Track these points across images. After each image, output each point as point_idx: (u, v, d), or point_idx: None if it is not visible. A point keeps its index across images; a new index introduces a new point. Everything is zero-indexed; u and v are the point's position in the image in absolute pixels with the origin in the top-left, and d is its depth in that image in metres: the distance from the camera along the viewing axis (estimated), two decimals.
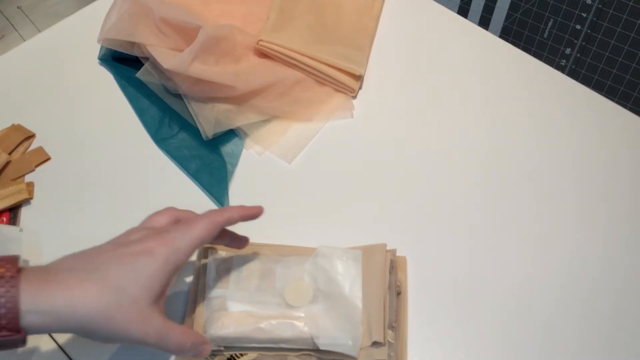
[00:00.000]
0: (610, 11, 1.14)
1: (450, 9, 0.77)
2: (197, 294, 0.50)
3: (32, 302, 0.36)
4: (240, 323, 0.46)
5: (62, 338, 0.50)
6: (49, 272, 0.38)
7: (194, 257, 0.52)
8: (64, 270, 0.38)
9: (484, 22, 1.36)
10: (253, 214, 0.47)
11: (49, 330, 0.37)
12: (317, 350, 0.46)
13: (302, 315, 0.47)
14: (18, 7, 2.03)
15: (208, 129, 0.63)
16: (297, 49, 0.66)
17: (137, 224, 0.58)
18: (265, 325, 0.46)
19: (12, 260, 0.37)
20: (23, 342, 0.37)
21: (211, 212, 0.45)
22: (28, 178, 0.62)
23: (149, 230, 0.43)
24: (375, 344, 0.46)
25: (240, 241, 0.50)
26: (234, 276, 0.49)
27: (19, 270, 0.37)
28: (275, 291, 0.48)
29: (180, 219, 0.46)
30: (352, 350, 0.46)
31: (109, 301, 0.37)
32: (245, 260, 0.51)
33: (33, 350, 0.50)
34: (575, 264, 0.54)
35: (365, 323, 0.47)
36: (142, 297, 0.39)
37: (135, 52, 0.68)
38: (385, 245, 0.52)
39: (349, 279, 0.49)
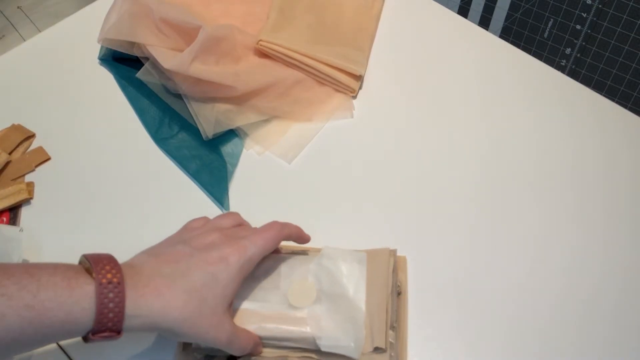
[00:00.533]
0: (610, 11, 1.14)
1: (450, 9, 0.77)
2: None
3: (134, 307, 0.39)
4: (243, 321, 0.46)
5: None
6: (141, 275, 0.41)
7: None
8: (155, 275, 0.41)
9: (484, 22, 1.36)
10: (305, 238, 0.51)
11: (139, 331, 0.40)
12: (318, 351, 0.46)
13: (305, 316, 0.47)
14: (18, 7, 2.03)
15: (208, 129, 0.63)
16: (297, 49, 0.66)
17: (136, 225, 0.58)
18: (268, 325, 0.46)
19: (116, 264, 0.40)
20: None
21: (276, 224, 0.48)
22: (28, 178, 0.62)
23: (220, 233, 0.46)
24: (376, 349, 0.46)
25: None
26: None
27: (122, 275, 0.39)
28: (279, 291, 0.48)
29: (242, 223, 0.50)
30: (354, 352, 0.45)
31: (193, 310, 0.41)
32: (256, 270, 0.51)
33: (33, 350, 0.50)
34: (575, 264, 0.54)
35: (368, 327, 0.47)
36: (219, 305, 0.42)
37: (135, 52, 0.68)
38: (388, 249, 0.52)
39: (353, 281, 0.49)
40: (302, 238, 0.51)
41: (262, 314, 0.47)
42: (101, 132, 0.66)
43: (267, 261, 0.50)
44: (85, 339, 0.39)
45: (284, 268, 0.49)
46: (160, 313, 0.39)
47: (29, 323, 0.36)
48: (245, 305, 0.47)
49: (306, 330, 0.46)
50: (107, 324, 0.38)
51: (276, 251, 0.51)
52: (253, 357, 0.47)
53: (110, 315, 0.38)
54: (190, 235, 0.46)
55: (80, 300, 0.38)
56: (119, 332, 0.39)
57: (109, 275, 0.39)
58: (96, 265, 0.39)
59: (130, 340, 0.50)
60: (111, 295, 0.38)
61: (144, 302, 0.39)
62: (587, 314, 0.51)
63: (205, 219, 0.49)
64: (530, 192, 0.59)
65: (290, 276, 0.49)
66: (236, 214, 0.50)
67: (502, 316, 0.51)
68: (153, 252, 0.44)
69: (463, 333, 0.50)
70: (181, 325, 0.40)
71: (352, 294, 0.48)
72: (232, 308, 0.46)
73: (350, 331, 0.46)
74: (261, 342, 0.46)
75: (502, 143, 0.63)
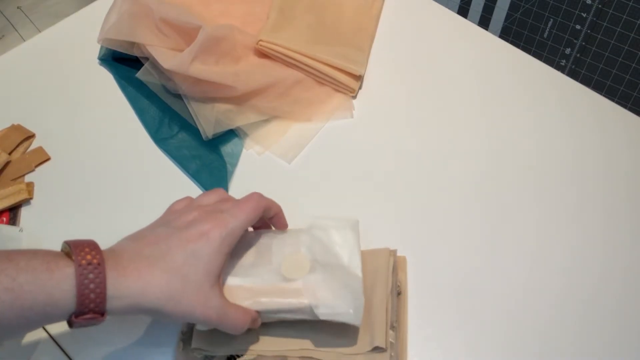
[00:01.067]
0: (610, 11, 1.14)
1: (450, 9, 0.77)
2: None
3: (115, 288, 0.39)
4: (236, 298, 0.45)
5: (62, 338, 0.50)
6: (122, 257, 0.40)
7: None
8: (135, 257, 0.41)
9: (484, 22, 1.36)
10: (284, 223, 0.50)
11: (124, 313, 0.40)
12: (318, 350, 0.46)
13: (300, 287, 0.45)
14: (18, 7, 2.03)
15: (208, 129, 0.63)
16: (297, 49, 0.66)
17: (136, 225, 0.58)
18: (263, 299, 0.45)
19: (96, 247, 0.40)
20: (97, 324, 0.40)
21: (254, 194, 0.47)
22: (28, 178, 0.62)
23: (200, 210, 0.45)
24: (376, 349, 0.46)
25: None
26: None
27: (102, 257, 0.39)
28: (271, 266, 0.47)
29: (227, 199, 0.49)
30: (354, 318, 0.44)
31: (176, 288, 0.40)
32: (240, 238, 0.50)
33: (33, 350, 0.50)
34: (575, 264, 0.54)
35: (368, 327, 0.47)
36: (203, 282, 0.42)
37: (135, 52, 0.68)
38: (388, 249, 0.52)
39: (347, 249, 0.48)
40: (281, 219, 0.50)
41: (255, 288, 0.45)
42: (101, 132, 0.66)
43: (257, 238, 0.49)
44: (70, 323, 0.39)
45: (275, 243, 0.49)
46: (141, 293, 0.39)
47: (9, 306, 0.36)
48: (237, 281, 0.46)
49: (303, 301, 0.45)
50: (89, 305, 0.38)
51: (262, 225, 0.51)
52: (252, 358, 0.47)
53: (92, 296, 0.38)
54: (172, 217, 0.46)
55: (61, 282, 0.38)
56: (102, 314, 0.39)
57: (88, 257, 0.39)
58: (76, 248, 0.39)
59: (129, 340, 0.50)
60: (91, 276, 0.38)
61: (125, 283, 0.39)
62: (587, 314, 0.51)
63: (189, 198, 0.49)
64: (530, 192, 0.59)
65: (282, 250, 0.48)
66: (220, 190, 0.49)
67: (502, 316, 0.51)
68: (134, 237, 0.44)
69: (463, 333, 0.50)
70: (165, 304, 0.40)
71: (347, 262, 0.47)
72: (223, 285, 0.46)
73: (348, 298, 0.45)
74: (259, 317, 0.45)
75: (502, 143, 0.63)
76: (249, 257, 0.48)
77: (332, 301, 0.44)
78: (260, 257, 0.48)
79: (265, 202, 0.47)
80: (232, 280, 0.46)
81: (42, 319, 0.38)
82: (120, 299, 0.39)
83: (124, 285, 0.39)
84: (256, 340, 0.48)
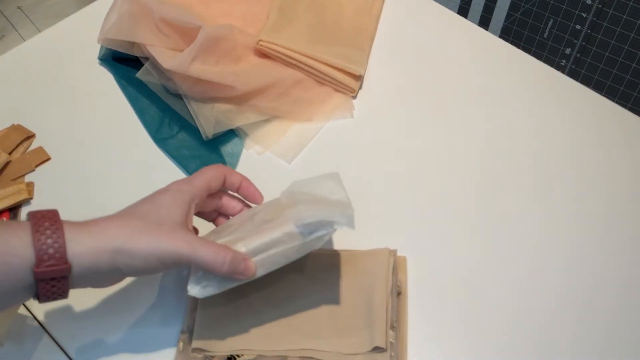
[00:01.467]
0: (610, 11, 1.14)
1: (450, 9, 0.77)
2: None
3: (73, 233, 0.40)
4: None
5: (62, 338, 0.50)
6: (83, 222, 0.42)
7: None
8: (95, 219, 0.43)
9: (484, 22, 1.36)
10: (254, 194, 0.51)
11: (88, 266, 0.40)
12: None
13: (285, 219, 0.45)
14: (18, 7, 2.03)
15: (208, 129, 0.63)
16: (297, 49, 0.66)
17: None
18: (252, 241, 0.44)
19: (52, 209, 0.41)
20: (66, 284, 0.40)
21: (217, 164, 0.50)
22: (28, 178, 0.62)
23: None
24: (376, 349, 0.46)
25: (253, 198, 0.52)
26: (213, 231, 0.50)
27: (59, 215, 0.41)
28: (253, 221, 0.47)
29: None
30: (341, 218, 0.43)
31: (136, 225, 0.42)
32: (225, 224, 0.51)
33: (33, 350, 0.50)
34: (574, 264, 0.54)
35: (367, 327, 0.47)
36: (166, 220, 0.43)
37: (135, 52, 0.68)
38: (388, 249, 0.52)
39: (330, 191, 0.47)
40: (250, 187, 0.50)
41: (242, 237, 0.45)
42: (101, 132, 0.66)
43: (241, 214, 0.50)
44: (38, 294, 0.39)
45: (258, 210, 0.50)
46: (102, 232, 0.40)
47: None
48: (224, 239, 0.46)
49: (289, 225, 0.44)
50: (48, 251, 0.38)
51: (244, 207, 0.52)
52: (252, 358, 0.47)
53: (49, 241, 0.38)
54: None
55: (17, 230, 0.39)
56: (65, 262, 0.39)
57: (44, 211, 0.40)
58: (33, 211, 0.41)
59: (130, 340, 0.50)
60: (47, 224, 0.39)
61: (85, 230, 0.40)
62: (587, 314, 0.51)
63: None
64: (529, 192, 0.59)
65: (264, 210, 0.49)
66: None
67: (502, 316, 0.51)
68: None
69: (463, 333, 0.50)
70: (126, 241, 0.40)
71: (334, 198, 0.47)
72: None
73: (334, 208, 0.44)
74: (248, 257, 0.43)
75: (501, 143, 0.63)
76: (233, 225, 0.49)
77: (317, 210, 0.44)
78: (244, 221, 0.49)
79: (226, 168, 0.49)
80: (218, 241, 0.46)
81: (3, 271, 0.38)
82: (80, 243, 0.39)
83: (82, 230, 0.40)
84: (256, 340, 0.48)
